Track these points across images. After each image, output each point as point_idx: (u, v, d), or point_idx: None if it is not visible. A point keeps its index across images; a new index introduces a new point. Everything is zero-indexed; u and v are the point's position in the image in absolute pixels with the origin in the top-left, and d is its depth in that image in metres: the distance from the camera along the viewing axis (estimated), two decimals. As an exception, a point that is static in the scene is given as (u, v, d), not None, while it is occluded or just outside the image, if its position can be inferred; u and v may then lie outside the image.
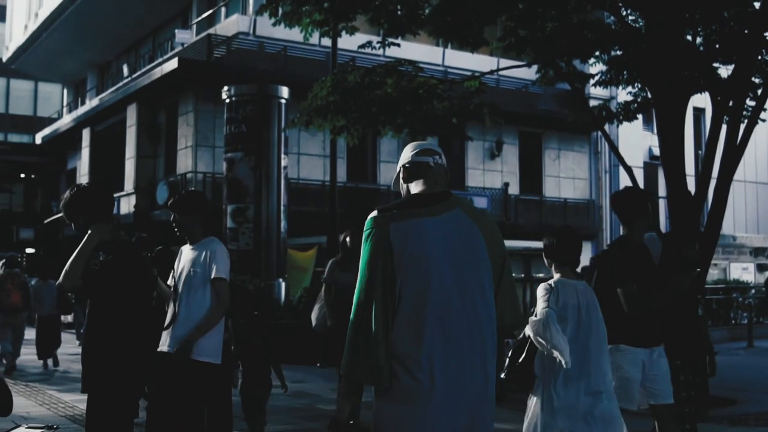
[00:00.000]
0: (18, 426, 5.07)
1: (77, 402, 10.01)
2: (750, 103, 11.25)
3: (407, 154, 3.60)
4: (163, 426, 5.57)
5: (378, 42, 11.56)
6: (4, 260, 14.43)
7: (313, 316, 8.77)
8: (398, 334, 3.27)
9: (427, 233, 3.33)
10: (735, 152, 10.55)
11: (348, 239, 8.27)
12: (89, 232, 4.21)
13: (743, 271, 31.28)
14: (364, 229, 3.41)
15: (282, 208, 18.51)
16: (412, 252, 3.30)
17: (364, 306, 3.30)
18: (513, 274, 3.78)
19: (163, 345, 5.35)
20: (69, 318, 26.99)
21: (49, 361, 14.45)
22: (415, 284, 3.29)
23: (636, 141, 28.01)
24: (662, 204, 29.78)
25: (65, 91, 44.55)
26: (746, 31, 10.61)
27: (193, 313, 5.42)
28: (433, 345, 3.25)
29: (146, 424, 5.47)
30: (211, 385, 5.69)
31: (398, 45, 11.74)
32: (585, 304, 4.81)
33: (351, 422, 3.65)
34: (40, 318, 14.82)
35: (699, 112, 28.81)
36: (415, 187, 3.53)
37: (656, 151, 29.92)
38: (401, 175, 3.61)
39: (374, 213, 3.42)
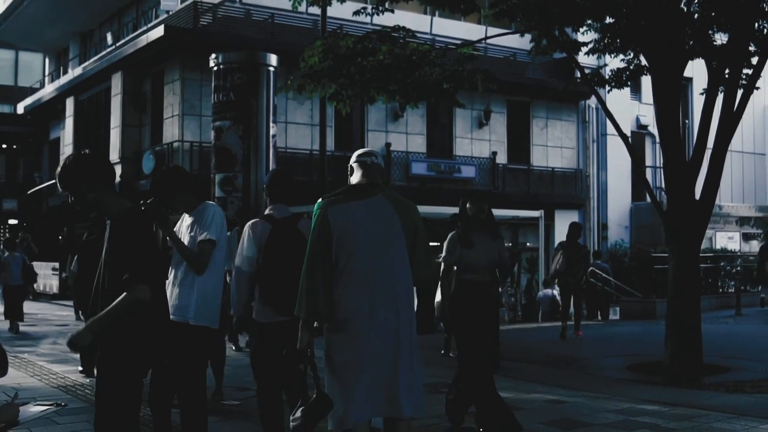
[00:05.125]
0: (27, 402, 5.09)
1: (68, 373, 9.96)
2: (746, 71, 11.14)
3: (354, 157, 4.84)
4: (166, 393, 5.56)
5: (372, 8, 11.39)
6: None
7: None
8: (336, 286, 4.52)
9: (354, 213, 4.56)
10: (731, 120, 10.47)
11: (468, 206, 6.90)
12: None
13: (729, 241, 31.33)
14: (314, 209, 4.59)
15: (271, 177, 18.31)
16: (342, 227, 4.52)
17: (310, 267, 4.54)
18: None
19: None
20: (54, 289, 26.94)
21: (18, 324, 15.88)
22: (346, 250, 4.51)
23: (623, 110, 27.84)
24: (649, 173, 29.88)
25: (47, 60, 43.89)
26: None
27: (190, 279, 5.46)
28: (360, 292, 4.47)
29: (149, 392, 5.40)
30: (208, 350, 5.72)
31: (392, 11, 11.60)
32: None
33: (309, 351, 4.63)
34: (8, 288, 16.27)
35: (686, 82, 28.71)
36: (354, 179, 4.75)
37: (644, 121, 30.18)
38: (348, 172, 4.83)
39: (320, 200, 4.64)
